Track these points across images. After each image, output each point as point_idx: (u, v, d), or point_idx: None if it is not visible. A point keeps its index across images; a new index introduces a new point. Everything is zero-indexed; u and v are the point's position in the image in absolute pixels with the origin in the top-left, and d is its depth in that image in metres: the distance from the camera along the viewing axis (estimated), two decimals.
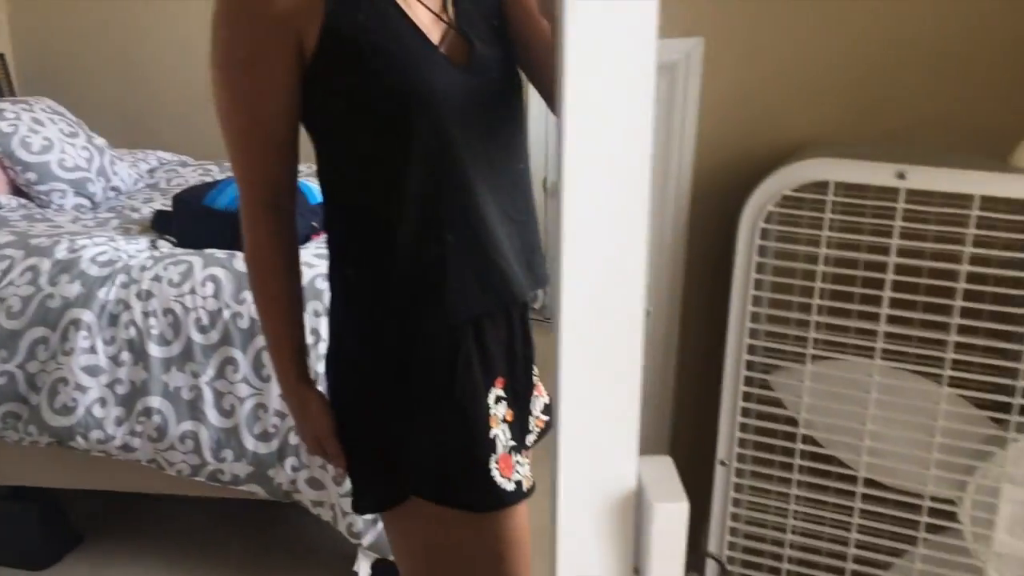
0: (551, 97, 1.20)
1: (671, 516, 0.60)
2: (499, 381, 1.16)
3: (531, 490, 1.20)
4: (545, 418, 1.31)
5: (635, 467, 0.60)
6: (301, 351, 1.26)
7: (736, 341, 0.92)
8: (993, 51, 1.19)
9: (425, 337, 1.13)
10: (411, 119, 1.06)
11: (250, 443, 2.12)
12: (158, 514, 2.64)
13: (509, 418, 1.17)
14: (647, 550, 0.61)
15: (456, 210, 1.10)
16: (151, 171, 3.22)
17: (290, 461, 2.11)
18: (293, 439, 2.11)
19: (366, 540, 2.14)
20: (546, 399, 1.32)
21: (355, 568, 2.18)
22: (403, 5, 1.10)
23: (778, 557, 1.00)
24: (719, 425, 0.96)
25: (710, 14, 1.25)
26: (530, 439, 1.27)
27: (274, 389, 2.10)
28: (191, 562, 2.40)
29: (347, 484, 1.85)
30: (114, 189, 2.92)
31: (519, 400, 1.20)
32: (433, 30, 1.12)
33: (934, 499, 0.91)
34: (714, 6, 1.25)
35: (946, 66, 1.21)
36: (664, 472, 0.64)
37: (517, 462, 1.18)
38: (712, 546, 1.01)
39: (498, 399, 1.16)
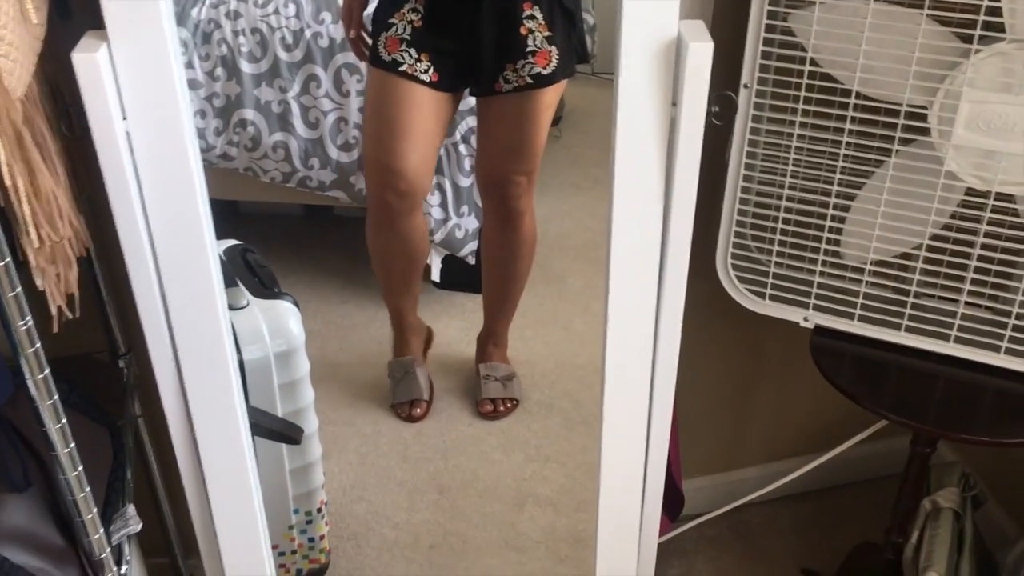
0: None
1: (702, 52, 0.85)
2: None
3: (413, 77, 1.86)
4: (530, 81, 1.88)
5: (676, 23, 0.84)
6: None
7: None
8: None
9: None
10: None
11: (334, 152, 2.41)
12: (253, 227, 2.97)
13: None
14: (682, 81, 0.87)
15: None
16: None
17: None
18: None
19: (437, 237, 2.46)
20: (542, 70, 1.88)
21: (428, 261, 2.52)
22: None
23: (787, 163, 1.27)
24: (744, 56, 1.20)
25: None
26: (508, 87, 1.90)
27: (353, 104, 2.35)
28: (291, 267, 2.74)
29: None
30: None
31: (450, 35, 1.85)
32: None
33: (911, 106, 1.15)
34: None
35: None
36: (700, 29, 0.88)
37: (408, 54, 1.86)
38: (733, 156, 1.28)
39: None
